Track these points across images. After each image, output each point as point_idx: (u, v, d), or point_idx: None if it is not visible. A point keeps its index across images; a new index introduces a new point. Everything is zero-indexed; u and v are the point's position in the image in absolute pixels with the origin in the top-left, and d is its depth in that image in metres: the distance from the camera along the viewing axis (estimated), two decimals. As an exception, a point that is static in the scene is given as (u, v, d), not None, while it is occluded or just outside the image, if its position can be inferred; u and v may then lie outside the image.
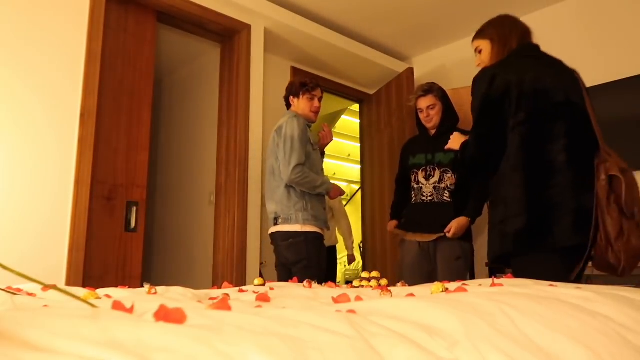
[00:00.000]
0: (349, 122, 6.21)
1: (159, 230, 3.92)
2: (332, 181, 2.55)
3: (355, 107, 4.74)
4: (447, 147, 1.97)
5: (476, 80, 1.74)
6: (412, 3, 3.40)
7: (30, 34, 2.28)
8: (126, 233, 2.55)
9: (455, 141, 1.90)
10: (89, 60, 2.42)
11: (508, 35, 1.79)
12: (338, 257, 6.95)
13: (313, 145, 2.51)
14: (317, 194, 2.45)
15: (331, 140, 2.79)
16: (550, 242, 1.56)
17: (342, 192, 2.63)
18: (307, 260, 2.34)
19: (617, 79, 3.03)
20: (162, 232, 3.89)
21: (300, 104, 2.56)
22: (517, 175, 1.62)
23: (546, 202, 1.58)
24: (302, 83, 2.58)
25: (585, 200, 1.57)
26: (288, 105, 2.62)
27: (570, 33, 3.28)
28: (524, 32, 1.82)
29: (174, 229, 3.79)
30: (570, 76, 1.73)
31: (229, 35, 3.18)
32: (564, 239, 1.55)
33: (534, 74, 1.66)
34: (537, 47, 1.80)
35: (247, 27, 3.14)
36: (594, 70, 2.97)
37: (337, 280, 6.25)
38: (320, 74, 3.92)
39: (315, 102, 2.56)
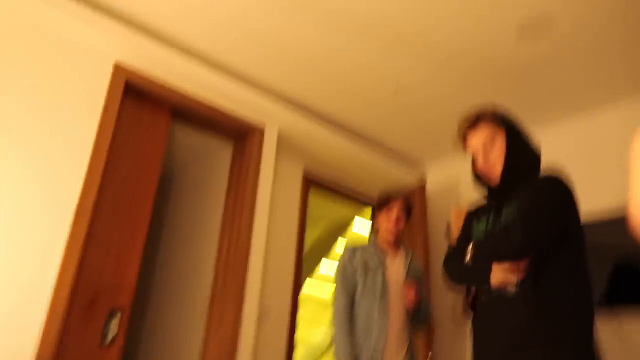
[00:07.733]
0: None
1: (147, 339, 3.58)
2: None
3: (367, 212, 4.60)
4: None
5: None
6: (430, 111, 3.40)
7: (39, 123, 2.21)
8: (101, 349, 2.28)
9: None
10: (94, 157, 2.34)
11: None
12: None
13: (368, 270, 2.38)
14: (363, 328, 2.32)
15: (414, 299, 2.37)
16: None
17: None
18: None
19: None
20: (150, 341, 3.56)
21: (378, 221, 2.57)
22: None
23: None
24: (382, 200, 2.56)
25: None
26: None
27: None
28: None
29: (164, 339, 3.47)
30: None
31: (242, 135, 3.14)
32: None
33: None
34: None
35: (260, 130, 3.11)
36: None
37: None
38: (332, 179, 3.84)
39: (392, 222, 2.48)
